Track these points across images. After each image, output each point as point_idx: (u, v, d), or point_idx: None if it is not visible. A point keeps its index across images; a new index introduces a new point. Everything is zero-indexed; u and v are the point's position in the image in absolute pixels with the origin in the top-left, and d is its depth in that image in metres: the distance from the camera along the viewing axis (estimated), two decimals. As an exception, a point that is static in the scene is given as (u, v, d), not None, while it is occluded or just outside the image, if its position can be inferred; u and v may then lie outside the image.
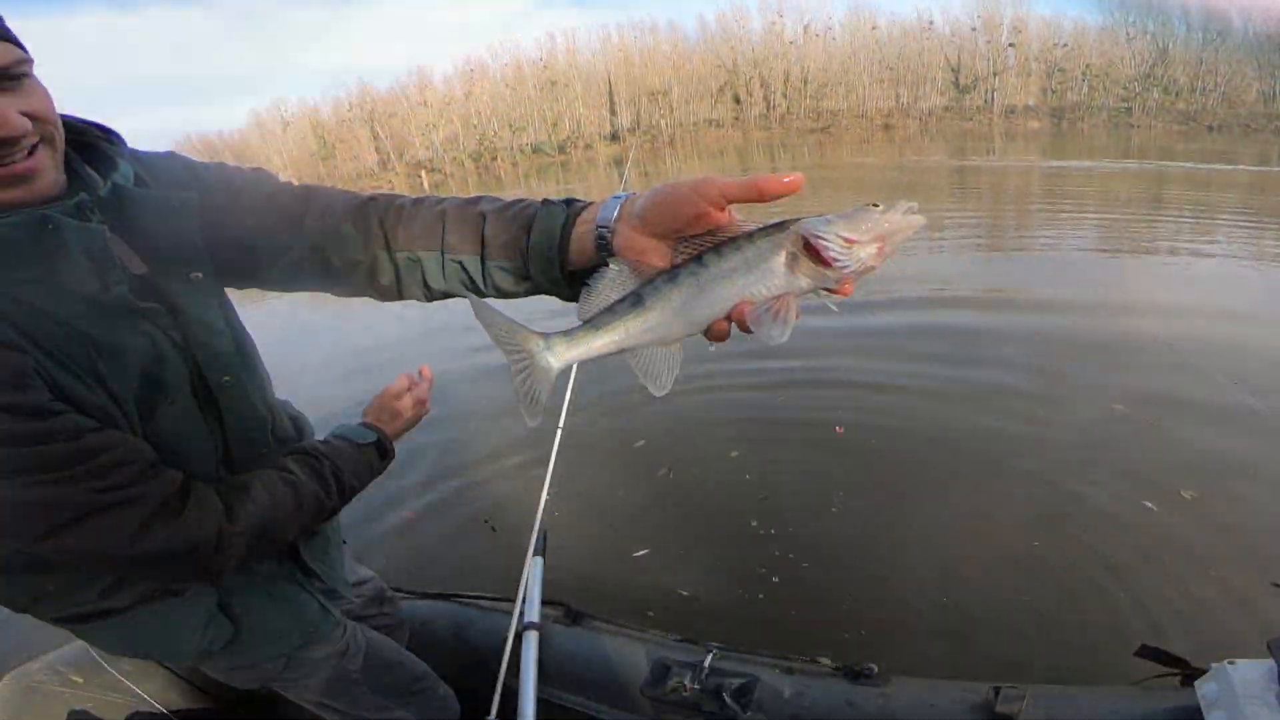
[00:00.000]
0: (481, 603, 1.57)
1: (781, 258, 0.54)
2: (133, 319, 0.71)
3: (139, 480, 0.69)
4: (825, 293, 0.56)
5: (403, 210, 0.78)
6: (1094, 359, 3.99)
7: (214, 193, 0.79)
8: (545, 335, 0.59)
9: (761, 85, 47.46)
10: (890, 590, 2.23)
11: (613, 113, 48.90)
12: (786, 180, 0.56)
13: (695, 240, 0.57)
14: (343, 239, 0.78)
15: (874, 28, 46.80)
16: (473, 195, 0.79)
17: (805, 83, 46.94)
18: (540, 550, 1.44)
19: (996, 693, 1.23)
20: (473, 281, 0.76)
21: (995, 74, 43.57)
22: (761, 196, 0.57)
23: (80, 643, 1.34)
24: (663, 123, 47.71)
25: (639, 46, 49.75)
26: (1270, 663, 0.98)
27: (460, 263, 0.75)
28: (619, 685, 1.36)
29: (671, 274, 0.56)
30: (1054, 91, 42.64)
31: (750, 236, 0.55)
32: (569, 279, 0.69)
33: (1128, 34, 41.64)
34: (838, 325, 4.86)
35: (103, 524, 0.66)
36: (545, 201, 0.72)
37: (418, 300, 0.83)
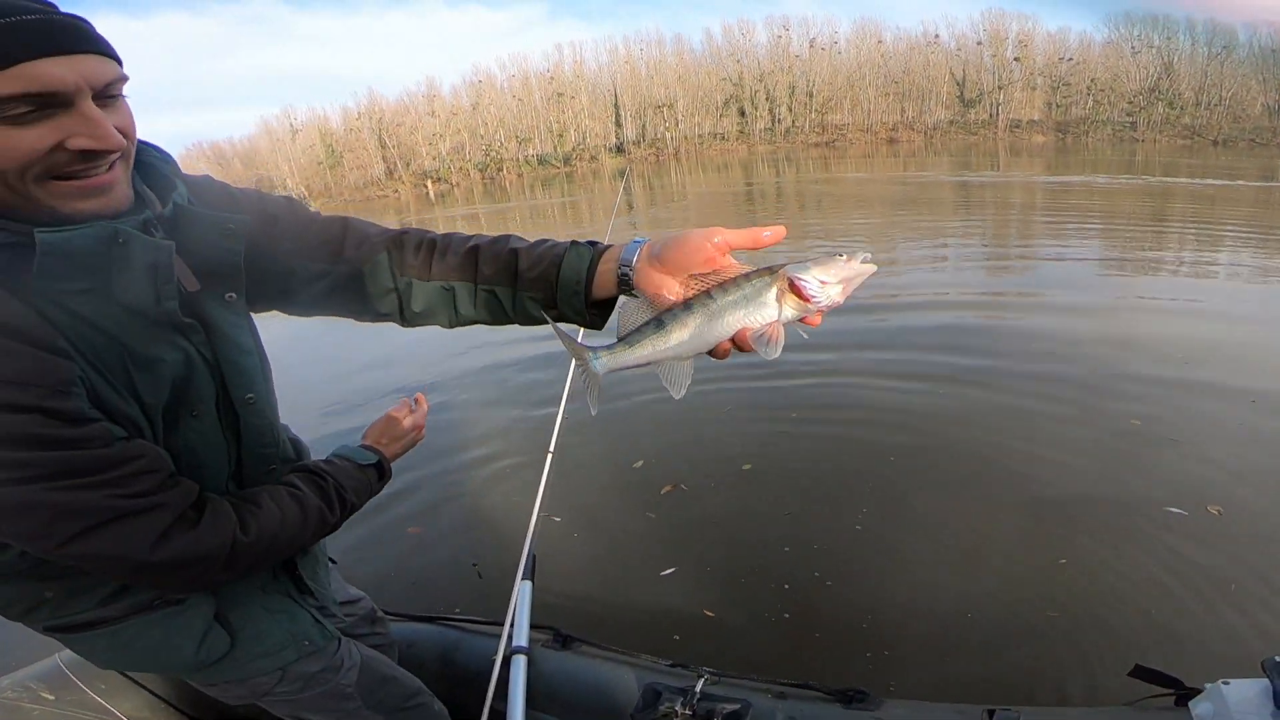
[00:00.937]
0: (470, 626, 1.56)
1: (773, 294, 0.66)
2: (171, 333, 0.74)
3: (161, 489, 0.71)
4: (800, 322, 0.68)
5: (435, 243, 0.87)
6: (1108, 375, 3.98)
7: (253, 216, 0.83)
8: (594, 349, 0.72)
9: (767, 99, 47.75)
10: (908, 612, 2.21)
11: (618, 125, 49.23)
12: (769, 234, 0.71)
13: (702, 278, 0.70)
14: (379, 267, 0.87)
15: (879, 42, 47.10)
16: (498, 235, 0.88)
17: (810, 96, 47.20)
18: (529, 574, 1.43)
19: (990, 715, 1.22)
20: (503, 309, 0.85)
21: (1000, 88, 43.74)
22: (756, 245, 0.71)
23: (53, 659, 1.33)
24: (668, 135, 47.99)
25: (645, 59, 50.18)
26: (1265, 682, 0.98)
27: (493, 292, 0.84)
28: (609, 711, 1.34)
29: (687, 304, 0.68)
30: (1059, 106, 42.76)
31: (748, 276, 0.68)
32: (589, 309, 0.80)
33: (1133, 48, 41.79)
34: (842, 336, 4.88)
35: (126, 529, 0.68)
36: (573, 243, 0.81)
37: (441, 326, 0.91)
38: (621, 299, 0.77)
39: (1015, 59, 43.68)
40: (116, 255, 0.67)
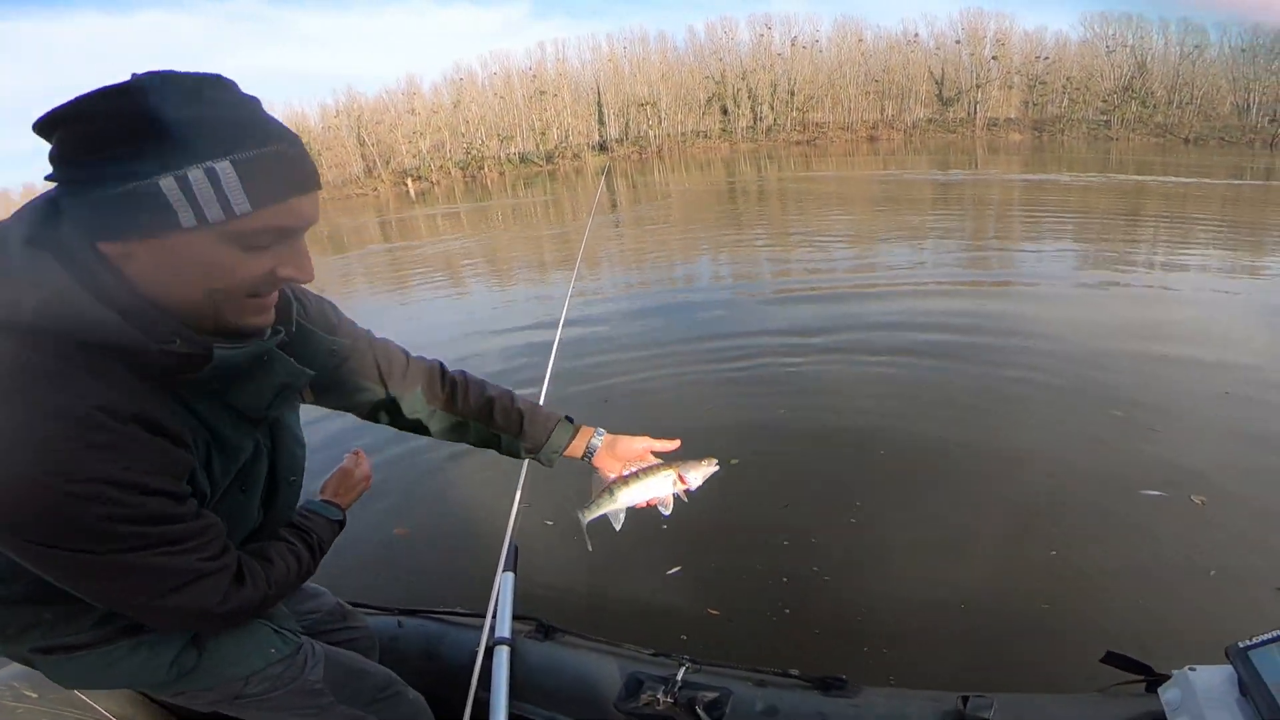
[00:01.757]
0: (453, 618, 1.56)
1: (672, 480, 1.11)
2: (253, 428, 0.83)
3: (225, 552, 0.79)
4: (680, 496, 1.13)
5: (456, 383, 1.13)
6: (1088, 366, 4.06)
7: (320, 324, 0.98)
8: (581, 508, 1.13)
9: (749, 97, 47.87)
10: (904, 606, 2.22)
11: (601, 123, 49.09)
12: (674, 445, 1.17)
13: (634, 464, 1.15)
14: (415, 398, 1.11)
15: (860, 40, 47.40)
16: (504, 388, 1.17)
17: (792, 95, 47.39)
18: (511, 566, 1.44)
19: (965, 701, 1.24)
20: (498, 445, 1.17)
21: (978, 86, 44.22)
22: (667, 450, 1.17)
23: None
24: (651, 133, 47.94)
25: (629, 56, 50.06)
26: (1230, 668, 0.99)
27: (499, 436, 1.16)
28: (592, 699, 1.35)
29: (625, 480, 1.12)
30: (1035, 104, 43.33)
31: (659, 468, 1.13)
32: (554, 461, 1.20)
33: (1108, 47, 42.45)
34: (824, 330, 4.94)
35: (204, 587, 0.76)
36: (560, 420, 1.17)
37: (429, 438, 1.18)
38: (595, 476, 1.16)
39: (993, 58, 44.19)
40: (256, 370, 0.78)
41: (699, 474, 1.12)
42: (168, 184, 0.61)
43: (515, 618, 1.42)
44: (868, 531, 2.63)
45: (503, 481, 3.13)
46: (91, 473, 0.64)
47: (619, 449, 1.16)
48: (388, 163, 47.41)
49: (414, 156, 47.45)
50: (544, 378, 1.82)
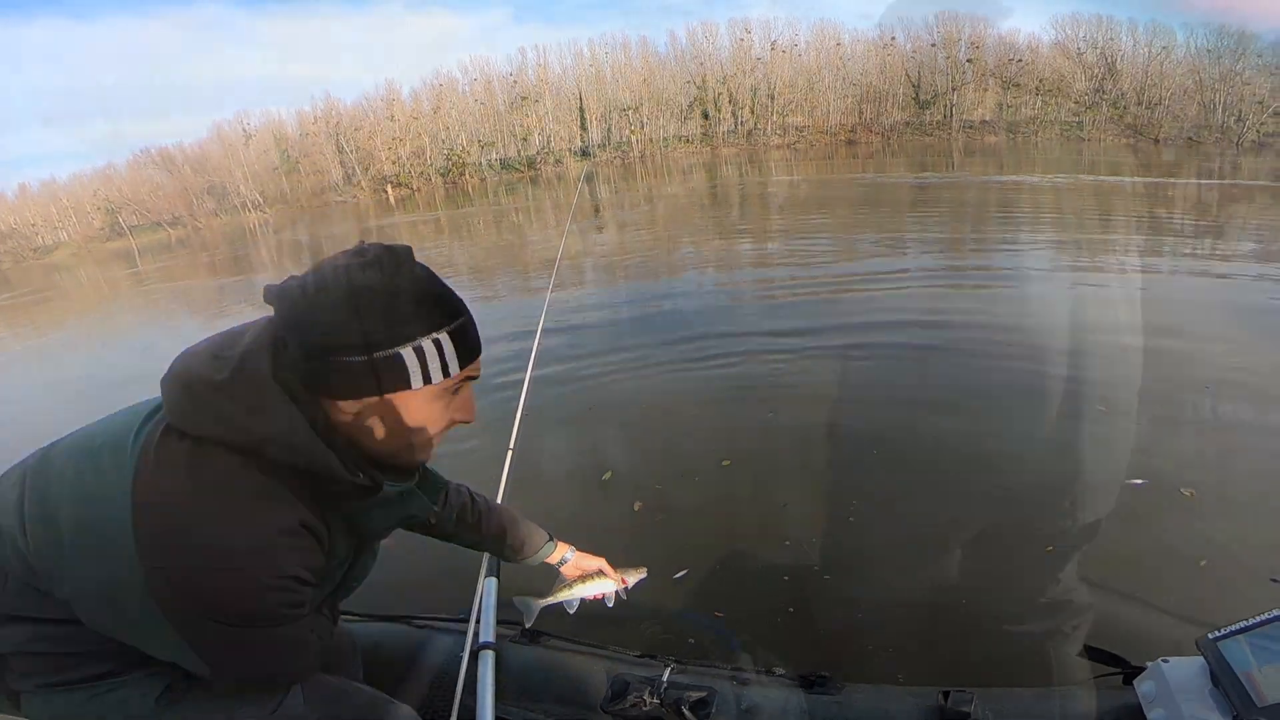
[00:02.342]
0: (436, 624, 1.55)
1: (615, 582, 1.40)
2: (354, 538, 0.94)
3: (313, 627, 0.93)
4: (620, 594, 1.42)
5: (481, 511, 1.30)
6: (1072, 363, 4.11)
7: None
8: (536, 596, 1.39)
9: (730, 101, 48.13)
10: (904, 604, 2.23)
11: (583, 128, 49.09)
12: (619, 573, 1.42)
13: (590, 572, 1.41)
14: (449, 521, 1.24)
15: (838, 44, 47.88)
16: (512, 513, 1.38)
17: (771, 99, 47.73)
18: (494, 571, 1.44)
19: (946, 696, 1.25)
20: (504, 558, 1.40)
21: (954, 89, 44.82)
22: (612, 573, 1.41)
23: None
24: (633, 138, 48.02)
25: (610, 61, 50.14)
26: (1201, 659, 1.01)
27: (503, 551, 1.37)
28: (578, 702, 1.35)
29: (582, 578, 1.39)
30: (1009, 106, 44.00)
31: (605, 573, 1.40)
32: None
33: (1078, 49, 43.24)
34: (807, 329, 4.97)
35: (307, 652, 0.91)
36: (547, 540, 1.40)
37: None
38: (559, 576, 1.41)
39: (968, 60, 44.82)
40: (396, 501, 0.89)
41: (635, 578, 1.44)
42: (407, 354, 0.76)
43: (499, 622, 1.41)
44: (866, 530, 2.64)
45: (484, 489, 3.12)
46: (288, 571, 0.79)
47: (582, 563, 1.44)
48: (367, 170, 47.05)
49: (394, 163, 47.12)
50: (523, 376, 1.81)
